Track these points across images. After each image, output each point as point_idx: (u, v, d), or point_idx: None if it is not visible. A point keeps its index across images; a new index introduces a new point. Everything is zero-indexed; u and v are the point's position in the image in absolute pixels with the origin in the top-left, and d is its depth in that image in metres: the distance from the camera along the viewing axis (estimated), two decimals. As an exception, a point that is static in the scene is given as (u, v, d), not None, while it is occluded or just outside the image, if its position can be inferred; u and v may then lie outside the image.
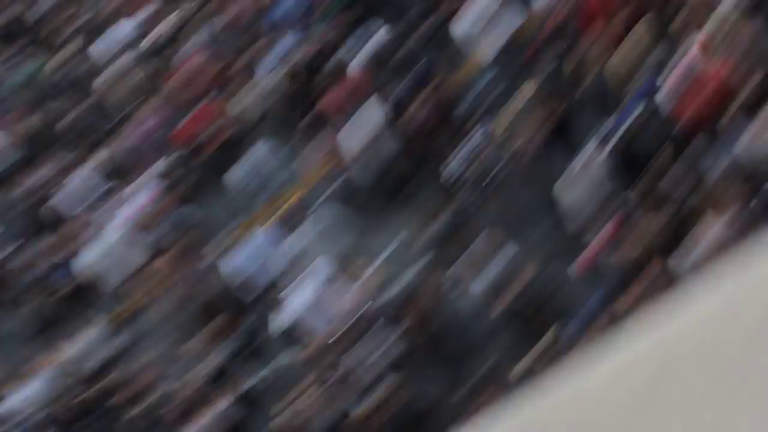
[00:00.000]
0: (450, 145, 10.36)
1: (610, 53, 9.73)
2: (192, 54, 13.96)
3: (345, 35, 12.18)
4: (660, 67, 9.38)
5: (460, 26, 11.31)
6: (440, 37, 12.16)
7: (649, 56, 9.69)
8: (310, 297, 10.06)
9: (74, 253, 12.36)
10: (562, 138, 10.03)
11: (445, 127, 10.82)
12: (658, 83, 9.28)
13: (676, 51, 9.14)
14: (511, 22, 11.30)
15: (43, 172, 13.70)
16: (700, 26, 8.85)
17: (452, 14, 11.45)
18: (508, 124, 10.16)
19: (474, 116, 11.03)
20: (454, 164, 10.21)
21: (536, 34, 10.96)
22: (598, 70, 9.86)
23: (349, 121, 11.15)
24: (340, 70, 11.80)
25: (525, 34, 11.36)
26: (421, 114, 10.84)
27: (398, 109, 11.00)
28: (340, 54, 11.97)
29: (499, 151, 10.19)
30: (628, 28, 9.75)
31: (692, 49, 8.78)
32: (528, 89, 10.19)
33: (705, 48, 8.67)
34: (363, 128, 11.05)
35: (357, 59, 11.76)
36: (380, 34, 11.80)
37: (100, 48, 14.98)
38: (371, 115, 11.04)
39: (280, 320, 10.23)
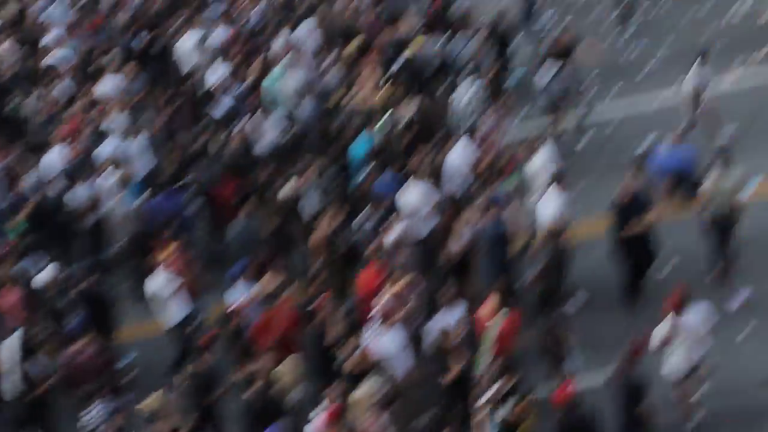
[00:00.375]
0: (97, 394, 9.73)
1: (274, 367, 9.72)
2: None
3: (17, 257, 11.82)
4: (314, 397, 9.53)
5: (152, 284, 10.95)
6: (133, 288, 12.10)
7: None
8: None
9: None
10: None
11: (100, 375, 10.18)
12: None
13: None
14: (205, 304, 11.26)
15: None
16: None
17: (150, 270, 11.06)
18: (156, 405, 9.56)
19: (128, 378, 10.72)
20: (92, 414, 9.61)
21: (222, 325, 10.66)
22: (264, 382, 9.57)
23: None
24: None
25: (211, 320, 11.17)
26: (82, 355, 10.28)
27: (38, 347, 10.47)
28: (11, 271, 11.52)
29: (140, 424, 9.72)
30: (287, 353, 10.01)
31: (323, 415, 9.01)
32: (183, 381, 9.84)
33: (333, 418, 8.92)
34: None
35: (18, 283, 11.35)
36: (46, 272, 11.42)
37: None
38: (12, 344, 10.40)
39: None
